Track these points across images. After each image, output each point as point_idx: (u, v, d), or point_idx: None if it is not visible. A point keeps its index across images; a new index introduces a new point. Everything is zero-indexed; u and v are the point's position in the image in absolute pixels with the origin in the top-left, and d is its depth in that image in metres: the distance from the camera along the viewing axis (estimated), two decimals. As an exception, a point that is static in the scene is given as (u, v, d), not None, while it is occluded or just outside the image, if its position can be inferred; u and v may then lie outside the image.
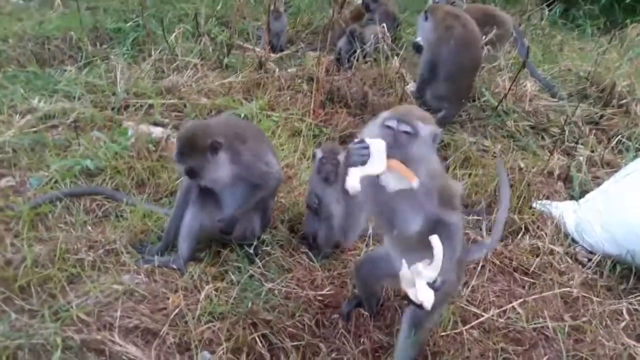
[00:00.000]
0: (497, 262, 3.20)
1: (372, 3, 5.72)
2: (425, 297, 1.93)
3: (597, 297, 3.01)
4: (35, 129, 3.91)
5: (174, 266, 2.83)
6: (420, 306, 1.95)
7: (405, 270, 1.99)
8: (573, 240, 3.46)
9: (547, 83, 5.22)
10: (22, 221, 2.96)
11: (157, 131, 4.01)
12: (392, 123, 2.03)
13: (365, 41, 5.34)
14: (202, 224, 2.89)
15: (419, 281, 1.94)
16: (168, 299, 2.60)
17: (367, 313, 2.73)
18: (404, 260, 2.02)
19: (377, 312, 2.77)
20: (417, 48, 4.90)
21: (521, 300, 2.89)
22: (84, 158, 3.53)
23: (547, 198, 3.80)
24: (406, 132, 2.01)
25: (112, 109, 4.31)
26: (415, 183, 1.97)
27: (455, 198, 2.18)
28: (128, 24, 5.80)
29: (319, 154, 3.08)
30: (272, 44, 5.74)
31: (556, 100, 5.07)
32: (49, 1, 6.44)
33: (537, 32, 7.02)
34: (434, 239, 1.94)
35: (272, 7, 5.76)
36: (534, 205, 3.69)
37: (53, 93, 4.42)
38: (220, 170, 2.78)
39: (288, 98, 4.78)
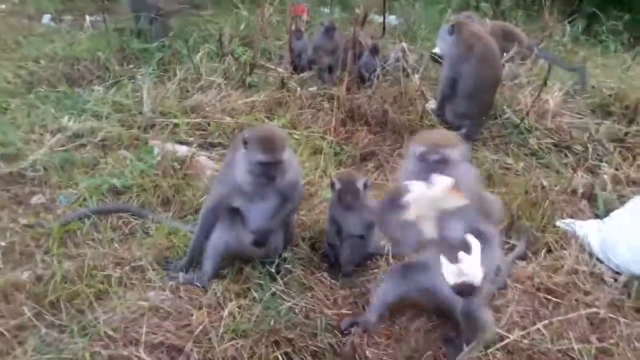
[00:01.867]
0: (520, 282, 3.17)
1: (331, 30, 5.73)
2: (473, 270, 2.09)
3: (625, 318, 2.95)
4: (64, 147, 4.04)
5: (198, 283, 2.87)
6: (467, 291, 2.10)
7: (447, 262, 2.14)
8: (598, 260, 3.41)
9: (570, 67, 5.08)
10: (52, 238, 3.05)
11: (182, 150, 4.09)
12: (427, 156, 2.29)
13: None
14: (227, 242, 2.93)
15: (464, 262, 2.12)
16: (192, 315, 2.64)
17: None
18: (442, 256, 2.19)
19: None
20: (435, 59, 4.95)
21: (546, 321, 2.85)
22: (111, 176, 3.63)
23: (571, 217, 3.76)
24: (439, 162, 2.25)
25: (139, 127, 4.42)
26: (464, 201, 2.17)
27: (492, 210, 2.39)
28: (154, 44, 5.96)
29: (338, 184, 3.11)
30: (295, 63, 5.81)
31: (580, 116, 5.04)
32: (79, 23, 6.66)
33: (559, 48, 6.99)
34: (469, 236, 2.10)
35: (293, 27, 5.85)
36: (557, 224, 3.65)
37: (82, 112, 4.57)
38: (290, 169, 2.87)
39: (309, 116, 4.85)
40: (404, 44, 5.16)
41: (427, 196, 2.16)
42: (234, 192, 2.90)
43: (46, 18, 6.90)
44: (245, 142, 2.77)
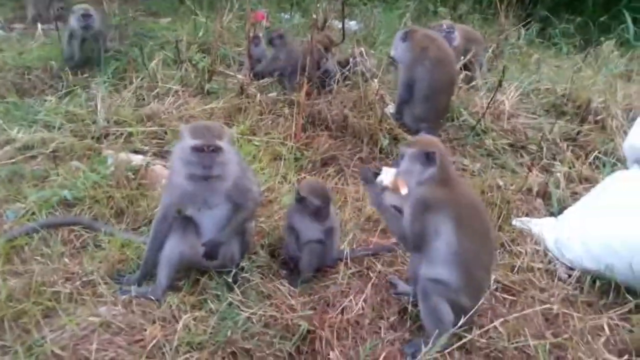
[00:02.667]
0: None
1: (276, 39, 5.78)
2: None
3: (578, 313, 3.01)
4: (13, 160, 3.89)
5: (152, 297, 2.79)
6: None
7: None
8: (553, 256, 3.48)
9: None
10: (-2, 255, 2.93)
11: (137, 159, 4.00)
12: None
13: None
14: (181, 252, 2.87)
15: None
16: (145, 330, 2.57)
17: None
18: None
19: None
20: (393, 59, 5.03)
21: (502, 319, 2.88)
22: (62, 188, 3.52)
23: (527, 215, 3.84)
24: None
25: (92, 137, 4.31)
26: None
27: None
28: (109, 53, 5.83)
29: (316, 201, 3.09)
30: (254, 69, 5.76)
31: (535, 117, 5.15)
32: (30, 32, 6.48)
33: (515, 50, 7.15)
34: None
35: (252, 34, 5.80)
36: (513, 222, 3.72)
37: (33, 123, 4.43)
38: (230, 165, 2.77)
39: (270, 122, 4.81)
40: (362, 49, 5.17)
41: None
42: (181, 197, 2.84)
43: (-4, 27, 6.69)
44: (180, 133, 2.75)
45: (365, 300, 2.93)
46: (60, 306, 2.65)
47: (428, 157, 2.64)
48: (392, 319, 2.88)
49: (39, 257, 2.99)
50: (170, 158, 2.98)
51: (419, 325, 2.81)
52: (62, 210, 3.42)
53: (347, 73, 5.35)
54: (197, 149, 2.66)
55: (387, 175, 2.81)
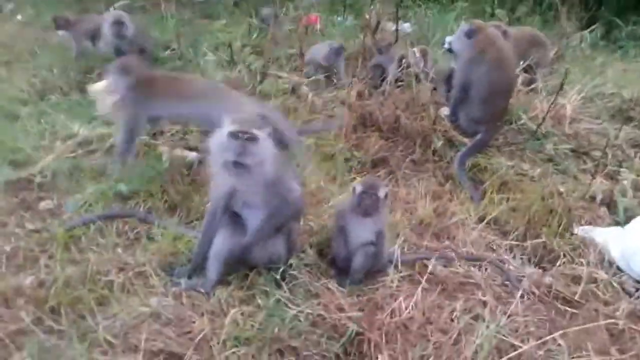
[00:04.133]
0: (536, 291, 3.05)
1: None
2: None
3: (646, 329, 2.82)
4: (74, 154, 4.03)
5: (202, 290, 2.81)
6: None
7: None
8: (618, 268, 3.28)
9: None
10: (57, 243, 3.02)
11: (191, 156, 4.06)
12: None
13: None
14: (230, 248, 2.86)
15: None
16: (194, 322, 2.58)
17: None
18: None
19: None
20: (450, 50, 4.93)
21: (562, 331, 2.72)
22: (118, 182, 3.60)
23: (589, 224, 3.64)
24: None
25: (148, 134, 4.40)
26: None
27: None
28: (166, 53, 5.98)
29: (359, 188, 3.04)
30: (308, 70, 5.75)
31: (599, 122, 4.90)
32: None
33: (577, 53, 6.86)
34: None
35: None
36: (575, 231, 3.53)
37: (92, 119, 4.56)
38: (266, 159, 2.68)
39: (320, 123, 4.79)
40: (415, 49, 5.08)
41: None
42: (222, 192, 2.84)
43: (62, 28, 6.97)
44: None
45: (415, 304, 2.84)
46: (113, 295, 2.70)
47: None
48: (441, 323, 2.77)
49: (94, 247, 3.07)
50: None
51: (468, 329, 2.69)
52: (118, 203, 3.49)
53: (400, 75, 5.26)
54: (232, 136, 2.62)
55: None
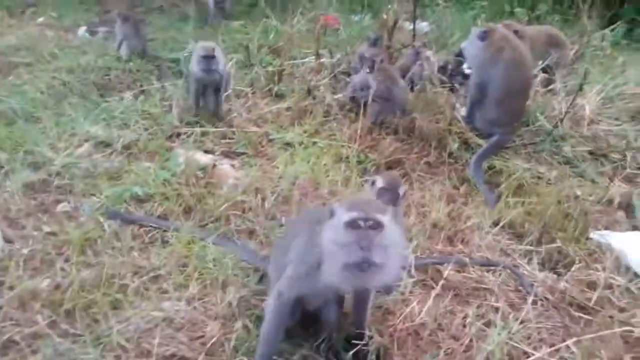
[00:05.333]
0: (550, 296, 3.02)
1: None
2: None
3: (663, 337, 2.76)
4: (91, 156, 4.08)
5: None
6: None
7: None
8: (636, 274, 3.22)
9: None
10: (73, 246, 3.07)
11: (207, 159, 4.09)
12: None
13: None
14: None
15: None
16: (206, 326, 2.60)
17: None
18: None
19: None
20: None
21: (576, 339, 2.68)
22: (134, 185, 3.64)
23: (606, 228, 3.58)
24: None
25: (165, 136, 4.45)
26: None
27: None
28: (185, 54, 6.02)
29: (380, 182, 3.03)
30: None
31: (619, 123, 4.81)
32: (113, 35, 6.81)
33: (598, 52, 6.72)
34: None
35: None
36: (591, 235, 3.48)
37: (110, 121, 4.62)
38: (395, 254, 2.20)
39: (335, 124, 4.79)
40: (429, 52, 5.03)
41: None
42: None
43: (81, 30, 7.07)
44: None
45: (427, 310, 2.83)
46: (127, 299, 2.74)
47: None
48: (453, 329, 2.76)
49: (110, 250, 3.11)
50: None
51: (480, 335, 2.68)
52: (134, 206, 3.53)
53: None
54: (351, 225, 2.09)
55: None
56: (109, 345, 2.45)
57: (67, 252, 3.06)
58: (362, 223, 2.06)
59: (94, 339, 2.47)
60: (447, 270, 3.12)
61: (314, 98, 5.20)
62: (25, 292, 2.69)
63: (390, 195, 2.99)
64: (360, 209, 2.10)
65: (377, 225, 2.07)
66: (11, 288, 2.73)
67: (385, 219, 2.10)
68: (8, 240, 3.10)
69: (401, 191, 3.04)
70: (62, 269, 2.92)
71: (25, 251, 3.03)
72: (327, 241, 2.15)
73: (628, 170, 4.21)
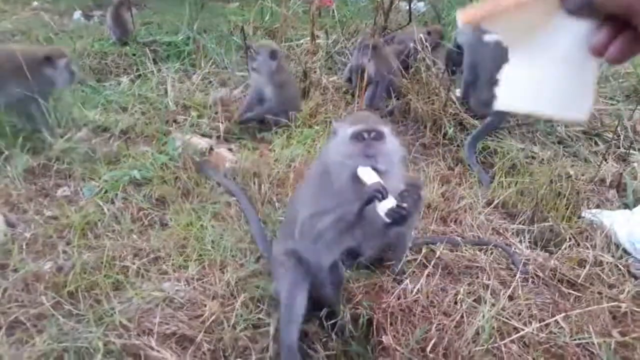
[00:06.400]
0: (541, 274, 3.09)
1: None
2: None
3: (650, 312, 2.85)
4: (90, 140, 4.13)
5: None
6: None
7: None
8: (625, 251, 3.29)
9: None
10: (74, 230, 3.14)
11: (204, 143, 4.14)
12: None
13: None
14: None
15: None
16: (205, 306, 2.68)
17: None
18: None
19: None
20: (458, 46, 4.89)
21: (565, 314, 2.77)
22: (132, 169, 3.70)
23: (598, 207, 3.65)
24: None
25: (162, 120, 4.48)
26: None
27: None
28: (180, 38, 6.03)
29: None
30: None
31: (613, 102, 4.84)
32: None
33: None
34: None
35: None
36: (583, 214, 3.54)
37: (108, 105, 4.66)
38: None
39: (331, 107, 4.82)
40: (422, 35, 5.04)
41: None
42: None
43: (77, 14, 7.07)
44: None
45: (420, 288, 2.90)
46: (128, 280, 2.81)
47: None
48: (444, 306, 2.84)
49: (110, 233, 3.17)
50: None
51: (471, 312, 2.76)
52: (132, 190, 3.58)
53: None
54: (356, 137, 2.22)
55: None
56: (111, 325, 2.52)
57: (68, 236, 3.12)
58: (365, 135, 2.20)
59: (97, 319, 2.54)
60: (440, 249, 3.19)
61: (310, 81, 5.22)
62: (29, 274, 2.76)
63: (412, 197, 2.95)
64: (362, 122, 2.24)
65: (380, 136, 2.21)
66: (15, 270, 2.79)
67: (386, 129, 2.26)
68: (10, 225, 3.16)
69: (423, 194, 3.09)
70: (64, 252, 2.98)
71: (27, 235, 3.08)
72: (333, 157, 2.27)
73: (621, 149, 4.26)
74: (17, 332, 2.47)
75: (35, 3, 7.36)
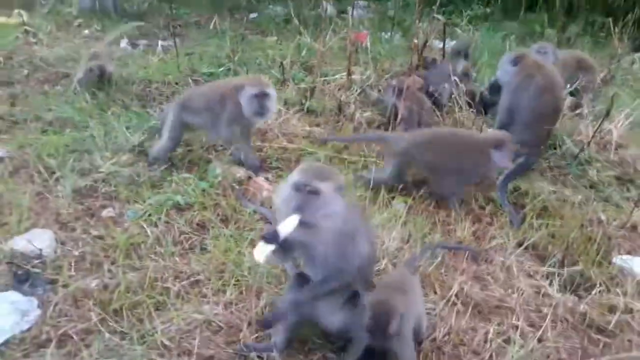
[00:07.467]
0: (570, 318, 3.12)
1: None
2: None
3: (681, 363, 2.84)
4: (134, 164, 4.32)
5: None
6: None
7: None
8: (656, 300, 3.30)
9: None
10: (119, 250, 3.30)
11: (242, 171, 4.29)
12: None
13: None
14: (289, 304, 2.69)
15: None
16: (241, 331, 2.79)
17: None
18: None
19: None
20: (493, 88, 4.98)
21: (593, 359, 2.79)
22: (175, 194, 3.87)
23: (629, 253, 3.66)
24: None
25: (202, 148, 4.67)
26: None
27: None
28: (220, 69, 6.28)
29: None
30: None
31: None
32: (153, 48, 7.13)
33: (628, 76, 6.78)
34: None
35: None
36: (613, 260, 3.57)
37: (151, 130, 4.87)
38: (330, 216, 2.47)
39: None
40: (454, 77, 5.17)
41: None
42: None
43: (123, 43, 7.41)
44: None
45: (450, 327, 2.95)
46: (169, 301, 2.94)
47: None
48: (474, 345, 2.88)
49: (152, 255, 3.32)
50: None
51: (500, 352, 2.79)
52: (175, 214, 3.74)
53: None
54: (296, 188, 2.47)
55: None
56: (153, 344, 2.65)
57: (113, 255, 3.28)
58: (302, 187, 2.46)
59: (140, 337, 2.67)
60: (466, 286, 3.24)
61: (344, 115, 5.37)
62: (78, 290, 2.92)
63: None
64: (306, 175, 2.50)
65: (316, 191, 2.45)
66: (65, 286, 2.96)
67: (325, 186, 2.47)
68: (61, 242, 3.35)
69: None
70: (110, 271, 3.14)
71: (76, 253, 3.26)
72: (277, 202, 2.62)
73: (654, 196, 4.27)
74: (67, 346, 2.60)
75: (86, 32, 7.76)
